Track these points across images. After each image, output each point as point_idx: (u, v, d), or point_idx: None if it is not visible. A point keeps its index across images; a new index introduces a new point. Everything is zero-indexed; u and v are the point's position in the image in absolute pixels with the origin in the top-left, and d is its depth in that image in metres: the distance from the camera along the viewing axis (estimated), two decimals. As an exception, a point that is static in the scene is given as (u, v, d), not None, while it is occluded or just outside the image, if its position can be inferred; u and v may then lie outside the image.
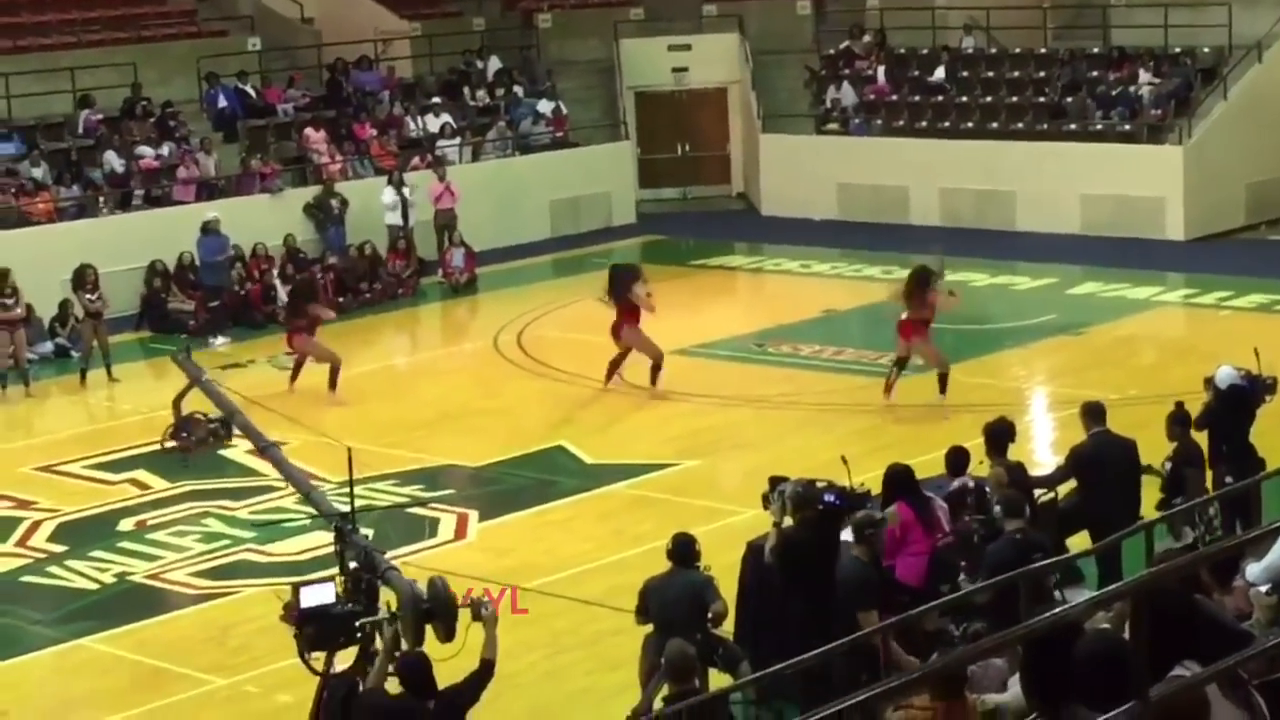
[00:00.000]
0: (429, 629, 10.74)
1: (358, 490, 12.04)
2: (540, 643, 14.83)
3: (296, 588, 11.01)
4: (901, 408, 21.11)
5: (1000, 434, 14.80)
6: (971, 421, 18.58)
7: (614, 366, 22.61)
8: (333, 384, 22.99)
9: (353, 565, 11.35)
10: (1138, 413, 18.87)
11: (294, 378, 23.33)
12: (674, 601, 12.47)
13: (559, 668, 14.48)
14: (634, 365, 22.72)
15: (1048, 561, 14.18)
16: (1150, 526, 13.36)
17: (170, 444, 14.69)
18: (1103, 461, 14.82)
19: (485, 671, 10.69)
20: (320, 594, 10.93)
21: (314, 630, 10.96)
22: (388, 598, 11.08)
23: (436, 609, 10.69)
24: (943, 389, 21.01)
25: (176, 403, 14.95)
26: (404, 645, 10.76)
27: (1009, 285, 28.84)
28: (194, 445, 14.54)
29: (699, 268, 30.97)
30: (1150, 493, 14.87)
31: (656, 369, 22.51)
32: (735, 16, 37.01)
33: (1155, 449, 15.24)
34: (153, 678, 14.82)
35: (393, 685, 10.62)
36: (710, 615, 12.56)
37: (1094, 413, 15.38)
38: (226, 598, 16.66)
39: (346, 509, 12.00)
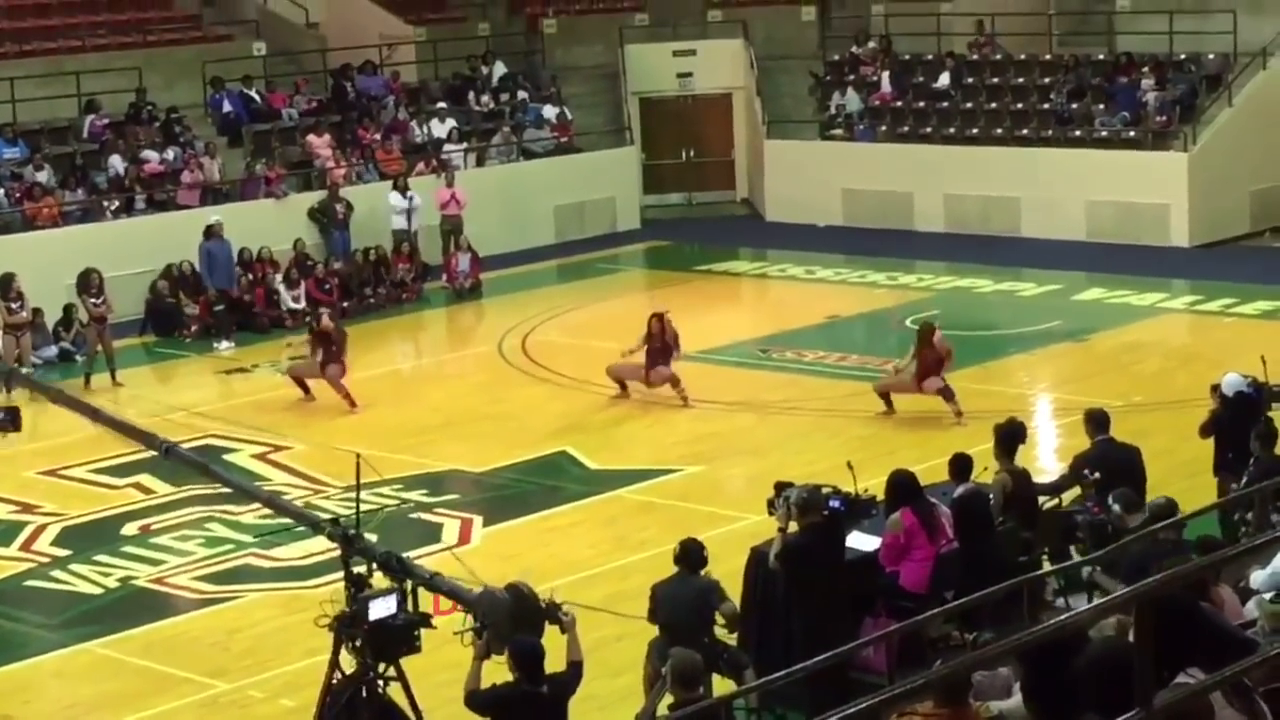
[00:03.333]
0: None
1: (365, 495, 12.01)
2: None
3: (365, 600, 11.11)
4: (904, 414, 21.08)
5: (1011, 436, 14.78)
6: (976, 427, 18.59)
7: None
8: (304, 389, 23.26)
9: (357, 571, 11.35)
10: (1142, 420, 18.90)
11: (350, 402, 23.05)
12: (683, 606, 12.47)
13: (562, 673, 14.45)
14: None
15: (1052, 569, 14.22)
16: (1155, 533, 13.32)
17: None
18: (1107, 469, 14.80)
19: (575, 672, 11.01)
20: (385, 605, 11.05)
21: (379, 640, 11.03)
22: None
23: (526, 614, 10.79)
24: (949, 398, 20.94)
25: None
26: (492, 652, 10.97)
27: (1014, 291, 28.82)
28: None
29: (703, 273, 30.96)
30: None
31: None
32: (740, 22, 37.04)
33: (1160, 457, 15.24)
34: (157, 682, 14.81)
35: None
36: (723, 618, 12.60)
37: (1098, 420, 15.38)
38: (230, 602, 16.66)
39: (332, 513, 12.04)
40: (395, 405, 23.36)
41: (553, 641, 11.14)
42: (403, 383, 25.50)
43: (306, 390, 23.29)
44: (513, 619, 10.90)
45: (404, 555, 11.51)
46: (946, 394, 20.84)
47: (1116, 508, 13.64)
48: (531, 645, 10.78)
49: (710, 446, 20.74)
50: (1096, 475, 14.67)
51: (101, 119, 30.98)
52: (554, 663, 11.01)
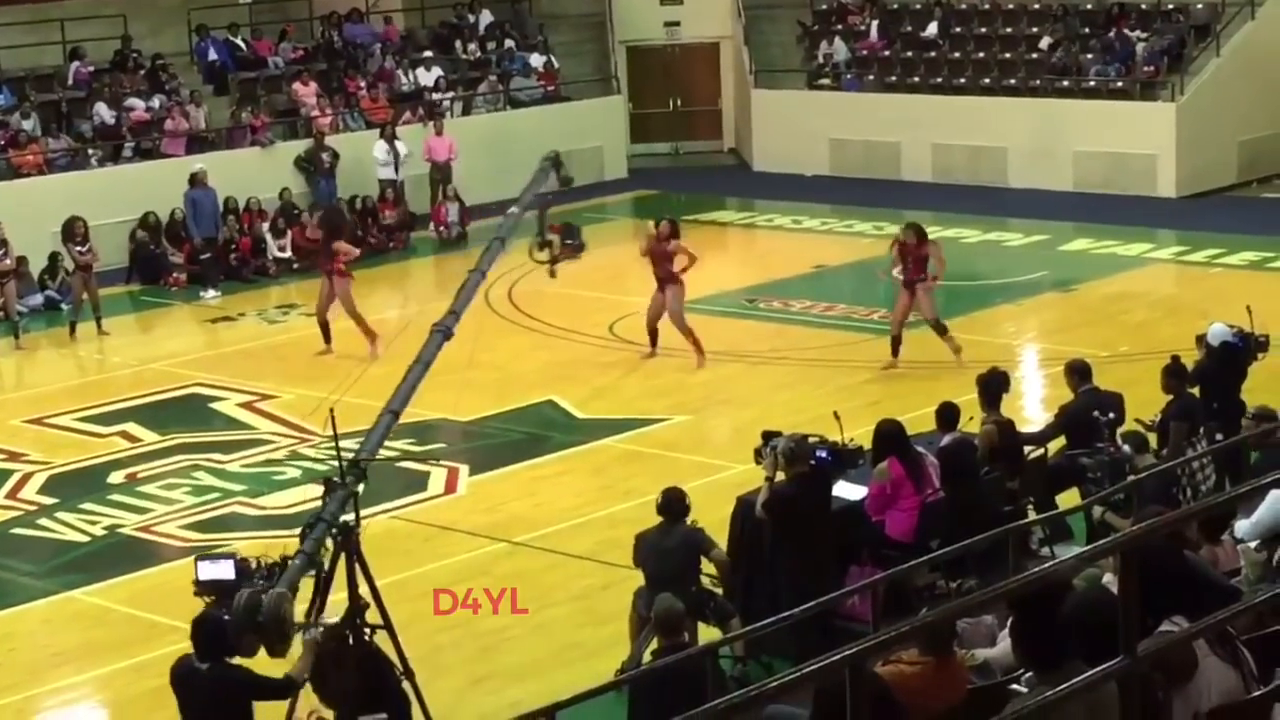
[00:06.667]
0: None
1: (350, 444, 11.96)
2: (530, 597, 14.85)
3: (196, 559, 11.03)
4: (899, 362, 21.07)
5: (994, 385, 14.81)
6: (962, 377, 18.59)
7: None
8: (372, 341, 22.39)
9: (344, 520, 11.32)
10: (1129, 369, 18.91)
11: (326, 338, 22.85)
12: (668, 555, 12.50)
13: (548, 621, 14.51)
14: (635, 321, 22.60)
15: (1038, 518, 14.28)
16: (1139, 483, 13.37)
17: (540, 255, 15.31)
18: (1093, 418, 14.85)
19: (282, 684, 10.64)
20: (218, 569, 10.90)
21: (214, 604, 10.92)
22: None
23: (267, 625, 10.45)
24: (942, 332, 20.84)
25: (541, 212, 15.44)
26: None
27: (1000, 241, 28.82)
28: (560, 256, 15.15)
29: (690, 223, 30.73)
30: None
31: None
32: (728, -30, 36.96)
33: (1146, 406, 15.27)
34: (143, 630, 14.82)
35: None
36: (714, 565, 12.63)
37: (1080, 371, 15.42)
38: (217, 550, 16.64)
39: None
40: (382, 354, 23.29)
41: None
42: (389, 330, 25.39)
43: (328, 339, 22.97)
44: (248, 622, 10.48)
45: (326, 523, 11.14)
46: (939, 328, 20.76)
47: (1127, 448, 13.71)
48: (201, 619, 10.55)
49: (697, 396, 20.75)
50: (1111, 415, 14.72)
51: (86, 66, 30.85)
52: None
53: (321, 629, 10.80)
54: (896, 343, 20.99)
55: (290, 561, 10.91)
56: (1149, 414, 15.09)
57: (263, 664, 10.73)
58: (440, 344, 12.85)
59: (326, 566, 11.15)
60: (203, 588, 10.93)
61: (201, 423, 20.45)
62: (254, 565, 10.94)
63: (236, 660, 10.56)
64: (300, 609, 10.92)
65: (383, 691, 11.31)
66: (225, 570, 10.91)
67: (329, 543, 11.12)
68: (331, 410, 11.66)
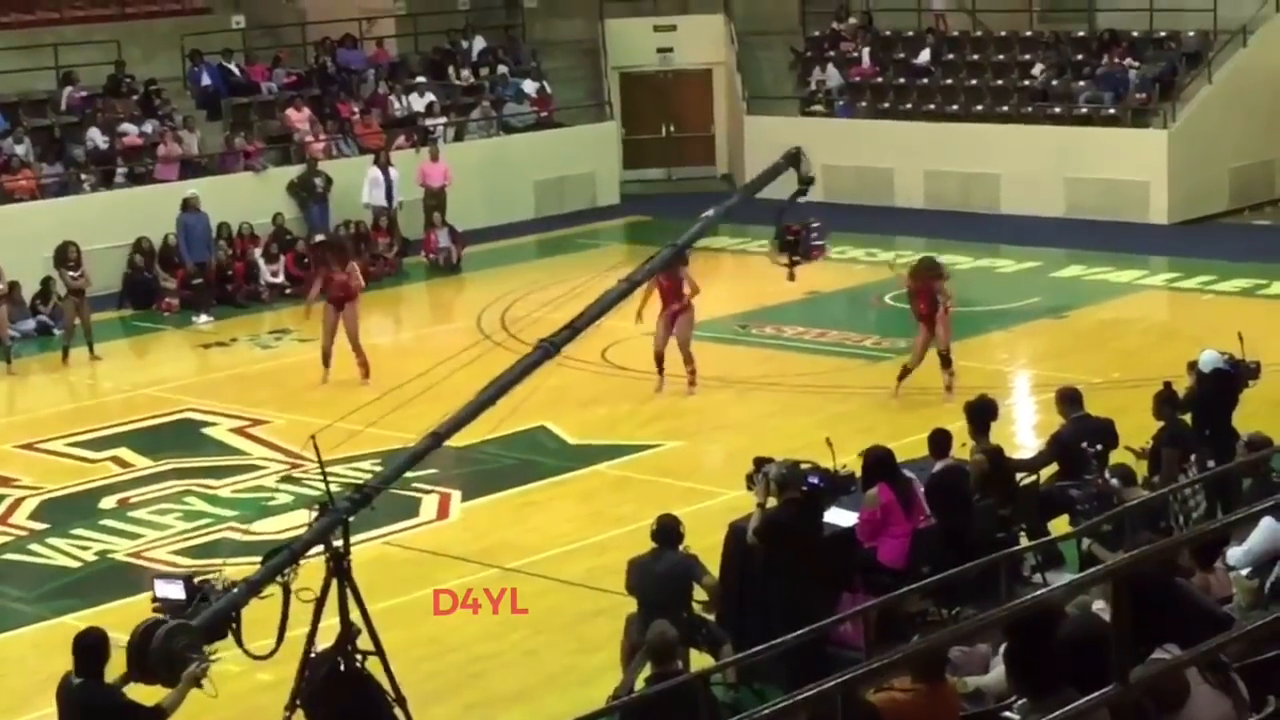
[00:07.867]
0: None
1: (341, 470, 11.96)
2: (522, 623, 14.85)
3: (153, 577, 11.13)
4: (884, 390, 21.05)
5: (982, 412, 14.79)
6: (954, 404, 18.60)
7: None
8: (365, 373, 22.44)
9: (335, 544, 11.31)
10: (1121, 396, 18.92)
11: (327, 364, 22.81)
12: (660, 581, 12.49)
13: (540, 648, 14.50)
14: (627, 346, 22.61)
15: (1030, 545, 14.27)
16: (1128, 514, 13.36)
17: (780, 259, 15.33)
18: (1088, 442, 14.85)
19: (150, 712, 10.57)
20: (171, 589, 10.98)
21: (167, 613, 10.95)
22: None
23: (152, 656, 10.47)
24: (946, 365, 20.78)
25: (780, 214, 15.49)
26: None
27: (993, 268, 28.85)
28: (805, 256, 15.22)
29: (683, 249, 30.87)
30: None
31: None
32: (721, -3, 37.06)
33: (1137, 432, 15.27)
34: (134, 656, 14.77)
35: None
36: (705, 592, 12.62)
37: (1071, 398, 15.42)
38: (208, 576, 16.59)
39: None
40: (374, 379, 23.26)
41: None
42: (382, 357, 25.39)
43: (327, 363, 22.92)
44: (137, 651, 10.57)
45: (279, 556, 11.20)
46: (945, 360, 20.68)
47: (1115, 481, 13.70)
48: (81, 636, 10.63)
49: (689, 422, 20.74)
50: (1099, 447, 14.73)
51: (79, 91, 30.87)
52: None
53: (206, 665, 10.67)
54: (907, 372, 20.90)
55: (244, 586, 10.94)
56: (1141, 440, 15.10)
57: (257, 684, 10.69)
58: (537, 362, 12.66)
59: (319, 592, 11.15)
60: (160, 604, 10.97)
61: (193, 448, 20.43)
62: (219, 587, 10.94)
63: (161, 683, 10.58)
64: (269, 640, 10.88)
65: (374, 718, 11.29)
66: (177, 590, 10.99)
67: (294, 570, 11.11)
68: (313, 437, 11.63)
